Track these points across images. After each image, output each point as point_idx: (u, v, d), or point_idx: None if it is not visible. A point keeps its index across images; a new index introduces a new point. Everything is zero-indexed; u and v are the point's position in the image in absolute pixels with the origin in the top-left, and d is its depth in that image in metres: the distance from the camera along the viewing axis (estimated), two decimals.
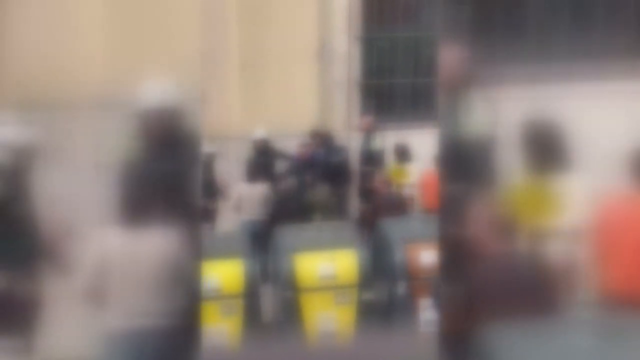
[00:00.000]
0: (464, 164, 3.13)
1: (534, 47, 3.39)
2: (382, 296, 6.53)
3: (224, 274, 5.98)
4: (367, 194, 8.06)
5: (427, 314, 5.91)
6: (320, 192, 8.05)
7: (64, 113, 3.38)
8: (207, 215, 7.86)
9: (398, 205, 7.43)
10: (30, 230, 3.37)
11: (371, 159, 8.37)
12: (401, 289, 6.34)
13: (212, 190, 7.80)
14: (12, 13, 3.36)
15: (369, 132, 8.55)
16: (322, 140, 8.44)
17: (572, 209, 3.18)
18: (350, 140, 8.79)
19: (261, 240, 6.95)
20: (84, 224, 3.34)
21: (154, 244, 3.34)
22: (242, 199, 7.29)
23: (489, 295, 2.87)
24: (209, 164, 7.88)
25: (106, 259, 3.35)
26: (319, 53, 9.23)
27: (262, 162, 8.11)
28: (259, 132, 8.31)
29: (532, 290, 2.89)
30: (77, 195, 3.35)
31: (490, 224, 2.98)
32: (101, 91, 3.38)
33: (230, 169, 8.02)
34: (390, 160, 8.38)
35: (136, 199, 3.31)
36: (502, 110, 3.16)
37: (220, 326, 5.90)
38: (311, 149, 8.40)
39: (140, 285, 3.34)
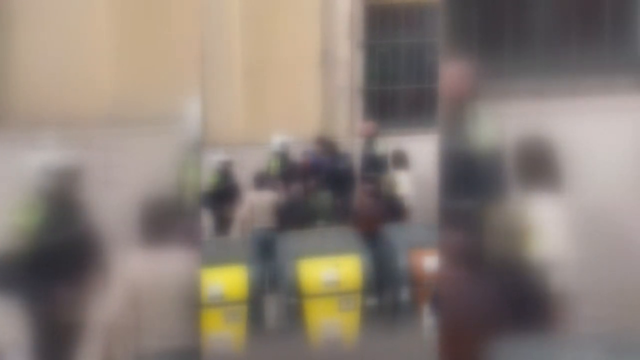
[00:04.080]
0: (464, 177, 3.12)
1: (541, 61, 3.39)
2: (385, 302, 6.54)
3: (227, 281, 6.01)
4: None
5: (431, 319, 5.92)
6: (323, 198, 8.05)
7: (98, 131, 3.40)
8: (224, 223, 7.86)
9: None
10: (81, 252, 3.36)
11: (374, 164, 8.34)
12: (404, 294, 6.36)
13: (232, 198, 7.79)
14: (20, 37, 3.38)
15: (370, 138, 8.55)
16: (328, 147, 8.45)
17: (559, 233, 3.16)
18: (353, 146, 8.80)
19: (271, 248, 6.95)
20: (117, 245, 3.33)
21: (174, 265, 3.35)
22: (254, 206, 7.29)
23: (489, 311, 2.86)
24: (226, 172, 7.90)
25: (136, 281, 3.35)
26: (322, 60, 9.26)
27: (286, 169, 8.04)
28: (280, 137, 8.17)
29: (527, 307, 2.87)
30: (112, 215, 3.35)
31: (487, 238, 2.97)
32: (114, 106, 3.39)
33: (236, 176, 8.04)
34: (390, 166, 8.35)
35: (155, 220, 3.32)
36: (506, 125, 3.16)
37: (224, 332, 5.92)
38: (313, 156, 8.41)
39: (166, 307, 3.35)
